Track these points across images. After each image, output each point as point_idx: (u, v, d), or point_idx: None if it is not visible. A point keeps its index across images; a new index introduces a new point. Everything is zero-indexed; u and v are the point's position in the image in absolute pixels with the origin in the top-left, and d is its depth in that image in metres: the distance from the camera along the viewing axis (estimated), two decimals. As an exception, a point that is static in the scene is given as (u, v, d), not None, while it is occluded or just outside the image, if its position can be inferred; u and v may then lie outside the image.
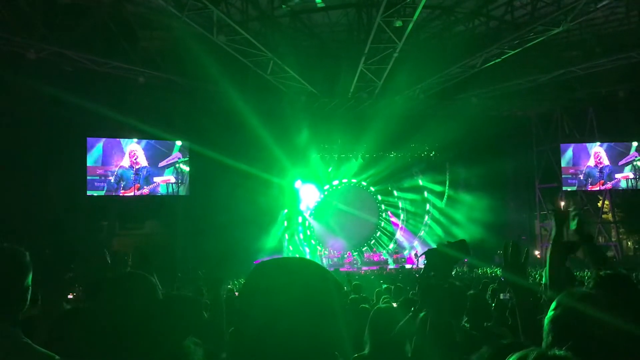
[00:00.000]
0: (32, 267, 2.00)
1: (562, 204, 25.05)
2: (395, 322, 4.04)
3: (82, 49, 16.55)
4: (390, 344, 3.83)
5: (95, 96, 17.62)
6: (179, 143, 21.30)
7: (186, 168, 21.39)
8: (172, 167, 21.17)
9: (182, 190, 21.20)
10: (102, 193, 19.83)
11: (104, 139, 20.06)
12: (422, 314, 3.93)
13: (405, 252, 26.79)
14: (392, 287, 8.72)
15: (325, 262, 25.15)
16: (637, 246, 25.52)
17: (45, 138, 17.44)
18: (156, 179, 20.84)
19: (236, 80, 18.53)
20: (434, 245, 23.55)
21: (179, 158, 21.28)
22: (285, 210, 24.77)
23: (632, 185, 24.05)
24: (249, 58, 17.42)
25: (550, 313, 1.85)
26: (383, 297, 7.43)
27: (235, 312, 1.21)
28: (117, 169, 20.13)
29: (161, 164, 21.01)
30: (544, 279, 3.18)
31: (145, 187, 20.63)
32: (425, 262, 2.78)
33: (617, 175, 24.04)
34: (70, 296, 6.86)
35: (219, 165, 20.54)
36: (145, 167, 20.67)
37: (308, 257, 24.92)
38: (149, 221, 22.06)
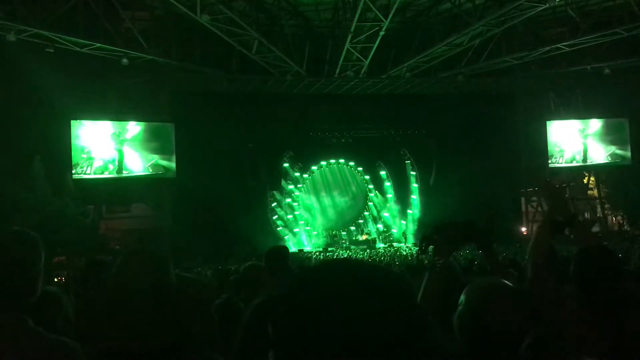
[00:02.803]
0: (44, 252, 1.95)
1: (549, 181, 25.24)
2: None
3: (64, 30, 16.22)
4: None
5: (78, 78, 17.35)
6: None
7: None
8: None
9: (170, 173, 20.89)
10: (87, 176, 19.57)
11: (87, 122, 19.75)
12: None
13: (393, 231, 26.89)
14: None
15: (314, 241, 25.23)
16: (621, 222, 25.80)
17: (28, 121, 17.19)
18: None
19: (221, 60, 18.34)
20: (420, 224, 23.44)
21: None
22: (274, 191, 24.73)
23: (616, 162, 24.22)
24: (234, 37, 17.24)
25: (458, 309, 1.84)
26: None
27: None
28: (101, 150, 19.87)
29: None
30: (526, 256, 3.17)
31: (130, 169, 20.39)
32: (432, 234, 2.40)
33: (603, 152, 24.21)
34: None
35: (205, 146, 20.43)
36: (130, 148, 20.43)
37: (295, 236, 24.99)
38: (135, 204, 21.89)
